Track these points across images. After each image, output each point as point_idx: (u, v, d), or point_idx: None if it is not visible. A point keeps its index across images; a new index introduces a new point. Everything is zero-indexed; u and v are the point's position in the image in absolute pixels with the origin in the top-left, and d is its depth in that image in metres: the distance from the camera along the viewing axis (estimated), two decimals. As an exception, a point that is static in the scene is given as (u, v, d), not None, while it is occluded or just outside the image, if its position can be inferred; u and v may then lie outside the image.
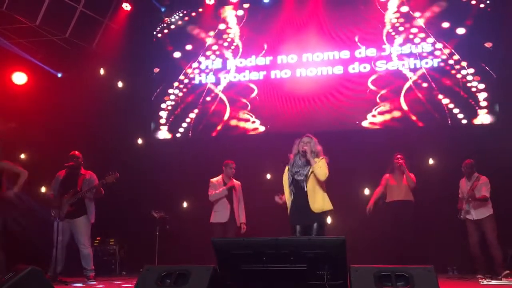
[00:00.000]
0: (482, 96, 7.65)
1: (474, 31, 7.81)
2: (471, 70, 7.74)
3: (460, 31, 7.88)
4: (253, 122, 8.57)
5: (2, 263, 5.80)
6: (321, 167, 4.67)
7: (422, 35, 8.06)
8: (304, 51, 8.48)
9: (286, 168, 4.87)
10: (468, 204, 6.61)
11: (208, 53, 8.98)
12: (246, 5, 8.96)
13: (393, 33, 8.20)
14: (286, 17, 8.68)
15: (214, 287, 3.50)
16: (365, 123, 8.07)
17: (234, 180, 6.86)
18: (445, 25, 7.97)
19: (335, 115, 8.21)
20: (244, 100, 8.65)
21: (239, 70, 8.77)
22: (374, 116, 8.05)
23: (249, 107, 8.62)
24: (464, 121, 7.70)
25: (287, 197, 4.84)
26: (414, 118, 7.91)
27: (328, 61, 8.36)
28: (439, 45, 7.94)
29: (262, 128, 8.52)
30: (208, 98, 8.83)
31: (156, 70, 9.19)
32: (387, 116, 8.02)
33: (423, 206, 7.07)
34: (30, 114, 8.31)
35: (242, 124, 8.62)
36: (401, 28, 8.18)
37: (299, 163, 4.77)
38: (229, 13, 9.02)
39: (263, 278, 3.52)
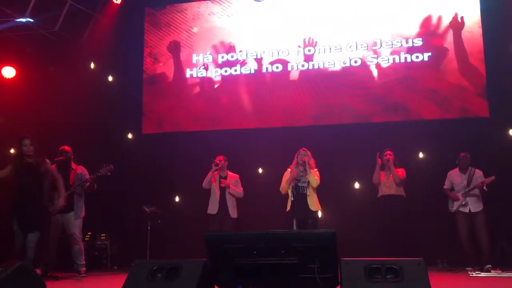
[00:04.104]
0: (476, 89, 7.69)
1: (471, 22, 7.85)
2: (468, 63, 7.78)
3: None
4: (243, 116, 8.55)
5: None
6: (314, 177, 6.12)
7: (417, 25, 8.07)
8: (294, 46, 8.46)
9: (288, 170, 6.23)
10: (465, 197, 6.63)
11: (199, 46, 8.92)
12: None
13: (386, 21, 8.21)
14: (279, 11, 8.64)
15: (205, 281, 3.51)
16: (356, 118, 8.09)
17: (230, 172, 6.96)
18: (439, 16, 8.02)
19: (325, 110, 8.21)
20: (235, 94, 8.64)
21: (229, 64, 8.72)
22: (365, 111, 8.08)
23: (238, 101, 8.60)
24: (456, 114, 7.74)
25: (287, 192, 6.24)
26: (405, 111, 7.93)
27: (319, 55, 8.35)
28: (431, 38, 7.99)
29: (252, 123, 8.48)
30: (198, 92, 8.80)
31: (147, 63, 9.15)
32: (377, 110, 8.04)
33: (413, 199, 7.10)
34: (19, 109, 8.22)
35: (232, 117, 8.58)
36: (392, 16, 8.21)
37: (300, 173, 6.14)
38: (220, 7, 8.97)
39: (254, 271, 3.53)
